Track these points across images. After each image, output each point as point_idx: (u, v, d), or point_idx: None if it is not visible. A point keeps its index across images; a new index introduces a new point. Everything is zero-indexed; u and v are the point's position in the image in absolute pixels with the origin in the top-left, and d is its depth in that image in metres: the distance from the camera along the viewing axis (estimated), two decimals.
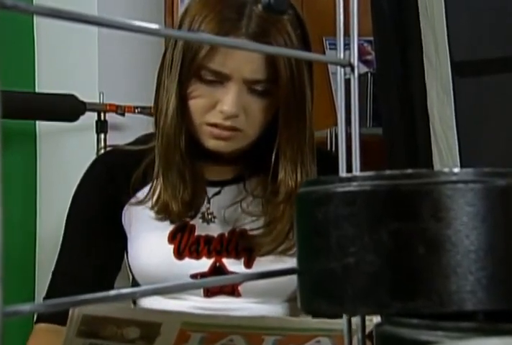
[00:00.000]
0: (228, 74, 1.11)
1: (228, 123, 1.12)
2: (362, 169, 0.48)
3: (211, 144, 1.15)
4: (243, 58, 1.11)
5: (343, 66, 0.47)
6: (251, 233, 1.19)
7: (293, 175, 1.15)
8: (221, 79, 1.12)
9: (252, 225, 1.20)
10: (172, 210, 1.16)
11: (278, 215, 1.17)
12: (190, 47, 1.11)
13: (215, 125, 1.13)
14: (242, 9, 1.11)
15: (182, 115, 1.14)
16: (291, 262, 1.14)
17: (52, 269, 1.25)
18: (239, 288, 1.18)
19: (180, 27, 1.15)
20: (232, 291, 1.18)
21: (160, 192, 1.17)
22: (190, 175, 1.17)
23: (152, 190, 1.19)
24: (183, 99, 1.13)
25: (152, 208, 1.18)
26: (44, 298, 1.24)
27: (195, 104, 1.14)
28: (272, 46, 1.09)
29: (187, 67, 1.12)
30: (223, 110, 1.11)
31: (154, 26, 0.39)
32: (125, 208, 1.23)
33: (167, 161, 1.15)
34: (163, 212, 1.17)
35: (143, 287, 0.41)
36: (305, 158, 1.16)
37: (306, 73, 1.15)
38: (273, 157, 1.16)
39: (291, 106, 1.14)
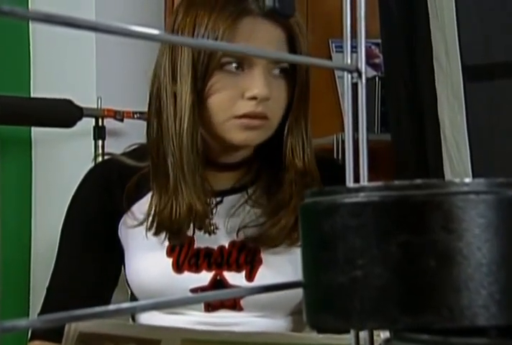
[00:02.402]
0: (251, 57, 1.09)
1: (259, 109, 1.10)
2: (369, 177, 0.47)
3: (241, 137, 1.12)
4: (265, 39, 1.09)
5: (350, 72, 0.46)
6: (256, 229, 1.17)
7: (300, 154, 1.14)
8: (243, 65, 1.10)
9: (257, 221, 1.17)
10: (197, 211, 1.12)
11: (285, 200, 1.15)
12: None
13: (244, 115, 1.10)
14: None
15: (198, 117, 1.11)
16: (296, 254, 1.12)
17: (47, 284, 1.22)
18: (241, 302, 1.16)
19: (180, 30, 1.12)
20: (234, 305, 1.16)
21: (183, 194, 1.12)
22: (201, 181, 1.13)
23: (160, 198, 1.15)
24: (198, 100, 1.10)
25: (169, 214, 1.13)
26: (39, 314, 1.20)
27: (218, 99, 1.11)
28: (290, 21, 1.09)
29: (205, 63, 1.09)
30: (255, 94, 1.09)
31: (153, 31, 0.38)
32: (122, 220, 1.20)
33: (188, 164, 1.11)
34: (187, 216, 1.12)
35: (143, 302, 0.39)
36: (309, 139, 1.16)
37: None
38: (285, 132, 1.15)
39: (306, 84, 1.14)
